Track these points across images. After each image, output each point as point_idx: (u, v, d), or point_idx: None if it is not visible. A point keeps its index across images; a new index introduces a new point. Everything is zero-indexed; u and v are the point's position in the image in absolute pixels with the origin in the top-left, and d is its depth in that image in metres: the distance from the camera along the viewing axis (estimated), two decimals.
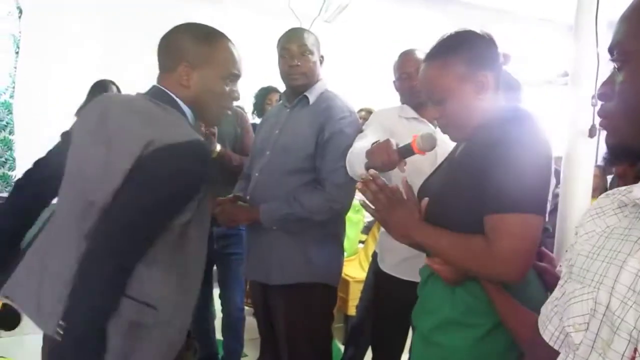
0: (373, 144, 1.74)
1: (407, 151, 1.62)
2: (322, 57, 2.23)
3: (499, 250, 1.20)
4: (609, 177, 3.91)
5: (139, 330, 1.36)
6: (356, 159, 1.88)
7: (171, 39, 1.51)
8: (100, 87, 4.34)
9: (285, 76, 2.20)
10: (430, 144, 1.56)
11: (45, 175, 1.60)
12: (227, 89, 1.55)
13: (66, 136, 1.56)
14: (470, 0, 5.77)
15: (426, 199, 1.43)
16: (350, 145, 2.04)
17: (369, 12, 5.44)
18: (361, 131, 2.14)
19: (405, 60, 2.29)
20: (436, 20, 6.07)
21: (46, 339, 1.49)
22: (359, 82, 5.25)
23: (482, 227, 1.26)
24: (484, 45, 1.42)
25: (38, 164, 1.68)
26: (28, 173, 1.68)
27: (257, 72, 4.78)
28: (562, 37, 5.41)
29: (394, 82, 2.38)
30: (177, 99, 1.48)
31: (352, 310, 3.51)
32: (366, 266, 3.45)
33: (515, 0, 5.74)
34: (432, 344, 1.40)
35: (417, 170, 1.88)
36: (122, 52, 4.92)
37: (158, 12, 5.30)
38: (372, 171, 1.48)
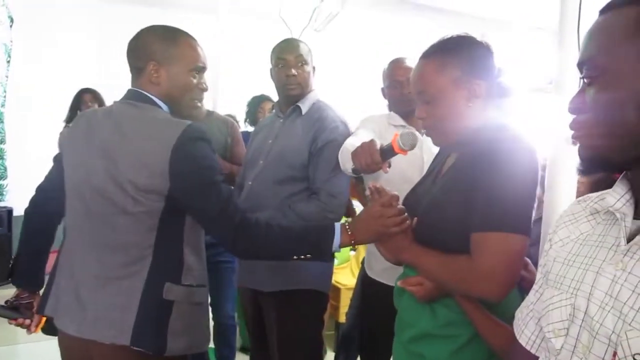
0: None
1: (389, 151, 1.59)
2: (313, 67, 2.26)
3: (481, 269, 1.21)
4: None
5: (199, 308, 1.63)
6: (346, 156, 1.88)
7: (138, 42, 1.62)
8: (76, 99, 4.40)
9: (282, 86, 2.21)
10: (410, 142, 1.54)
11: (50, 197, 1.73)
12: (195, 81, 1.65)
13: (59, 160, 1.71)
14: (460, 9, 5.82)
15: (415, 219, 1.43)
16: None
17: (358, 21, 5.48)
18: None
19: (396, 68, 2.31)
20: (426, 29, 6.12)
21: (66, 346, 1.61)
22: (348, 90, 5.29)
23: (469, 244, 1.26)
24: (483, 53, 1.41)
25: (41, 188, 1.79)
26: (34, 199, 1.79)
27: (249, 80, 4.83)
28: (551, 44, 5.46)
29: (382, 89, 2.40)
30: (152, 96, 1.59)
31: (343, 318, 3.52)
32: (357, 273, 3.47)
33: (505, 8, 5.79)
34: (413, 354, 1.41)
35: (403, 176, 1.90)
36: (113, 61, 4.92)
37: (150, 20, 5.31)
38: (378, 185, 1.48)
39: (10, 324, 1.76)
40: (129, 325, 1.47)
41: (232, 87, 5.60)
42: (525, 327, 0.97)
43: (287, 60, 2.17)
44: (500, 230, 1.21)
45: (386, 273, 2.21)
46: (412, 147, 1.55)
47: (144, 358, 1.49)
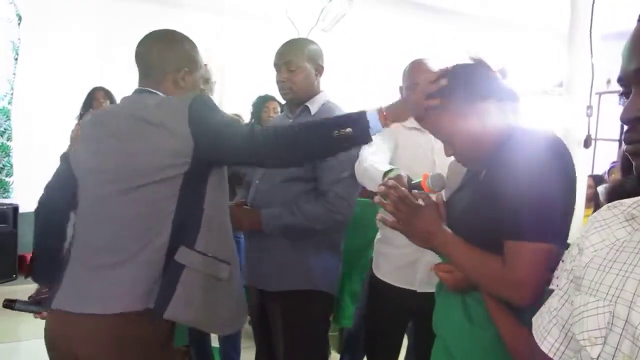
0: (386, 172, 1.78)
1: (416, 188, 1.62)
2: (320, 67, 2.23)
3: (512, 277, 1.22)
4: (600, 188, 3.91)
5: (218, 283, 1.65)
6: (370, 181, 1.91)
7: (173, 46, 1.74)
8: (88, 97, 4.43)
9: (278, 90, 2.22)
10: (439, 185, 1.54)
11: (60, 195, 1.80)
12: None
13: (65, 158, 1.80)
14: (468, 11, 5.81)
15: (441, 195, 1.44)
16: (352, 156, 2.05)
17: (366, 21, 5.47)
18: None
19: (415, 70, 2.27)
20: (434, 30, 6.11)
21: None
22: (356, 90, 5.28)
23: (499, 250, 1.27)
24: (477, 74, 1.40)
25: (49, 187, 1.84)
26: (44, 199, 1.83)
27: (255, 80, 4.83)
28: (558, 46, 5.44)
29: (400, 87, 2.38)
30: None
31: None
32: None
33: (512, 9, 5.77)
34: (445, 348, 1.42)
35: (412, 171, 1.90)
36: (120, 59, 4.93)
37: (157, 20, 5.31)
38: (391, 181, 1.44)
39: (36, 317, 1.84)
40: (156, 291, 1.55)
41: (239, 86, 5.62)
42: (547, 334, 0.95)
43: (277, 66, 2.17)
44: (533, 241, 1.21)
45: (395, 274, 2.20)
46: (442, 188, 1.56)
47: (137, 324, 1.55)
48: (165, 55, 1.71)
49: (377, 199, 1.45)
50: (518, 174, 1.24)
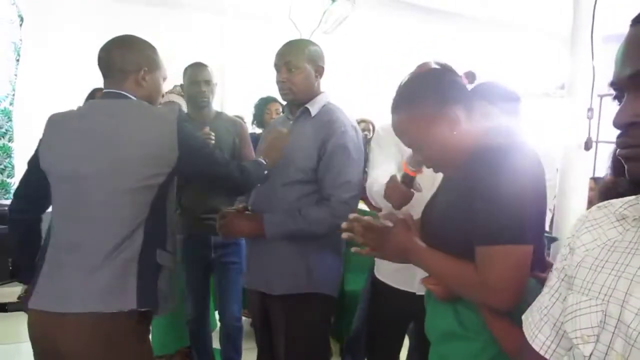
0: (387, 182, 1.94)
1: (407, 177, 1.78)
2: (320, 68, 2.22)
3: (488, 282, 1.22)
4: None
5: (173, 274, 1.83)
6: (380, 199, 2.06)
7: (131, 47, 1.85)
8: (89, 98, 4.41)
9: (278, 91, 2.23)
10: (417, 163, 1.67)
11: (31, 201, 1.92)
12: (162, 88, 1.96)
13: (33, 163, 1.88)
14: (470, 13, 5.81)
15: (415, 218, 1.46)
16: (354, 160, 2.09)
17: (367, 23, 5.47)
18: (368, 144, 2.17)
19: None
20: (435, 32, 6.11)
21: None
22: (358, 93, 5.27)
23: (473, 254, 1.27)
24: (444, 81, 1.40)
25: (19, 194, 1.96)
26: (16, 207, 1.94)
27: (257, 82, 4.83)
28: (560, 48, 5.44)
29: None
30: (133, 97, 1.82)
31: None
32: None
33: (513, 11, 5.77)
34: (438, 354, 1.43)
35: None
36: None
37: (160, 21, 5.33)
38: (352, 215, 1.49)
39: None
40: (132, 291, 1.67)
41: (240, 88, 5.62)
42: (539, 332, 0.96)
43: (277, 66, 2.17)
44: (504, 243, 1.21)
45: (394, 276, 2.21)
46: (422, 165, 1.64)
47: (120, 320, 1.66)
48: (125, 57, 1.82)
49: (344, 235, 1.48)
50: (487, 179, 1.25)
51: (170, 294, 1.82)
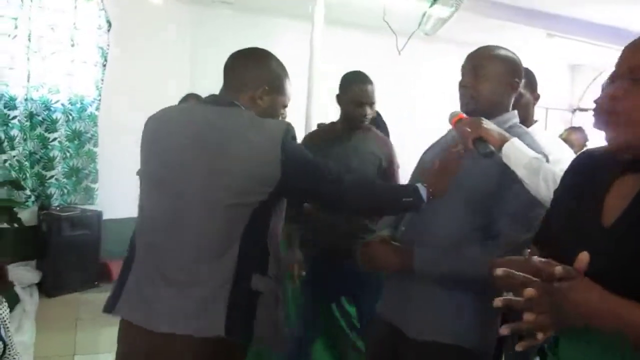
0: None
1: (481, 144, 1.65)
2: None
3: None
4: None
5: (279, 301, 1.70)
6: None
7: (260, 62, 1.76)
8: (181, 103, 4.29)
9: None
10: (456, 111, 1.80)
11: None
12: (280, 117, 1.81)
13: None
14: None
15: (586, 255, 1.01)
16: (527, 201, 1.64)
17: (470, 26, 5.08)
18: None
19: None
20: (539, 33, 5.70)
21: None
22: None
23: None
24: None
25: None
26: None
27: None
28: None
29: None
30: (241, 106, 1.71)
31: None
32: None
33: None
34: None
35: None
36: (206, 65, 4.84)
37: (243, 26, 5.20)
38: (499, 271, 1.07)
39: None
40: (221, 317, 1.53)
41: (328, 95, 5.38)
42: None
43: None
44: None
45: None
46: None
47: (222, 348, 1.54)
48: (248, 69, 1.75)
49: (498, 302, 1.08)
50: None
51: (271, 324, 1.65)
